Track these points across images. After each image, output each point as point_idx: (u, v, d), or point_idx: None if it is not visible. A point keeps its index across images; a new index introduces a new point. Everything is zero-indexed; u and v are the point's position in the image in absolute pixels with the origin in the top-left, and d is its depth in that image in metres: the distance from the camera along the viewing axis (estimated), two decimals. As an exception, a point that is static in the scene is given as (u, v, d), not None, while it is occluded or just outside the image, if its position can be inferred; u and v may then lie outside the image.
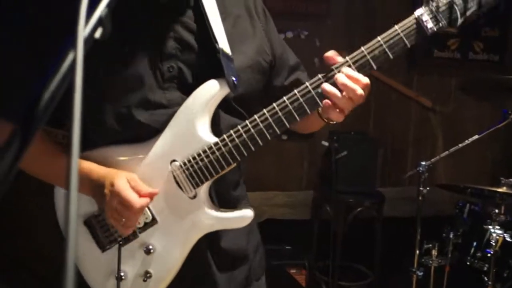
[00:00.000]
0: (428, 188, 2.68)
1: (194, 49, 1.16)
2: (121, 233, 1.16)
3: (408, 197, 3.73)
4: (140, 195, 1.10)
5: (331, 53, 1.14)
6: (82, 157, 1.18)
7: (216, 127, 1.18)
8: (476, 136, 2.50)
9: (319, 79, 1.12)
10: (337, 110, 1.13)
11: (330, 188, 3.20)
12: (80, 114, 0.39)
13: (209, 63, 1.14)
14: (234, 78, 1.13)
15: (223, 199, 1.24)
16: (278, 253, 3.12)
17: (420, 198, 2.70)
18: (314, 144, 3.52)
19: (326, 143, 3.46)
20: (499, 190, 2.43)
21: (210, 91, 1.13)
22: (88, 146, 1.19)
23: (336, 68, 1.12)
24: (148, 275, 1.18)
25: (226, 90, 1.14)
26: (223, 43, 1.15)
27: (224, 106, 1.17)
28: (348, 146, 3.29)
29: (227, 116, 1.20)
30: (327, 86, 1.10)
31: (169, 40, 1.15)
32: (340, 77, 1.10)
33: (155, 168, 1.15)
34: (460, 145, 2.53)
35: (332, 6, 3.67)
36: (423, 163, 2.64)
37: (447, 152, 2.59)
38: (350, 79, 1.09)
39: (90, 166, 1.16)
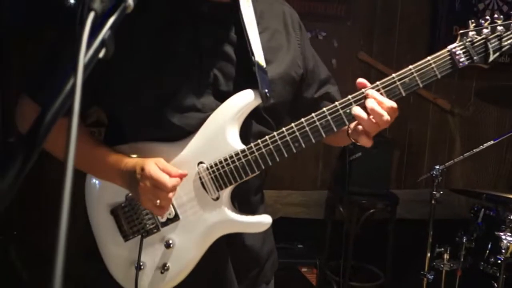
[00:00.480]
0: (441, 192, 2.68)
1: (231, 59, 1.24)
2: (158, 215, 1.23)
3: (423, 200, 3.71)
4: (171, 175, 1.16)
5: (362, 80, 1.19)
6: (114, 150, 1.25)
7: (245, 134, 1.24)
8: (492, 142, 2.48)
9: (349, 100, 1.17)
10: (365, 134, 1.18)
11: (343, 189, 3.22)
12: (75, 138, 0.44)
13: (244, 74, 1.21)
14: (266, 90, 1.20)
15: (243, 202, 1.30)
16: (290, 251, 3.15)
17: (433, 201, 2.69)
18: (330, 145, 3.54)
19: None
20: (514, 196, 2.42)
21: (244, 100, 1.20)
22: (121, 141, 1.26)
23: (366, 91, 1.16)
24: (166, 267, 1.24)
25: (258, 101, 1.21)
26: (259, 55, 1.22)
27: (254, 115, 1.24)
28: (363, 147, 3.29)
29: (256, 125, 1.27)
30: (355, 109, 1.15)
31: (207, 48, 1.22)
32: (369, 102, 1.14)
33: (183, 167, 1.21)
34: (475, 150, 2.52)
35: (351, 7, 3.66)
36: (437, 167, 2.64)
37: (461, 157, 2.58)
38: (379, 104, 1.14)
39: (119, 157, 1.21)
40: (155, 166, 1.15)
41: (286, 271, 3.00)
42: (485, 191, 2.64)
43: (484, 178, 3.99)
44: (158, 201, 1.15)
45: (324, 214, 3.55)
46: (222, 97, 1.21)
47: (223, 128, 1.20)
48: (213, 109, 1.21)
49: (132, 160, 1.20)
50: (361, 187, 3.28)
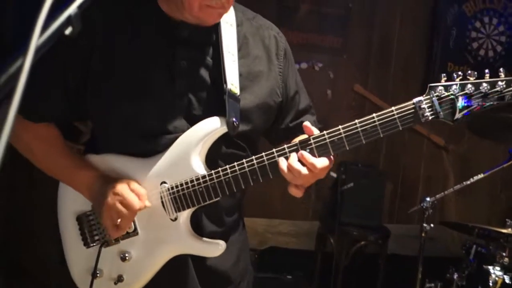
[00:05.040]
0: (432, 225, 2.65)
1: (206, 84, 1.25)
2: (112, 235, 1.24)
3: (416, 235, 3.67)
4: (139, 198, 1.19)
5: (308, 124, 1.20)
6: (88, 158, 1.31)
7: (213, 158, 1.26)
8: (481, 175, 2.48)
9: (283, 149, 1.18)
10: (292, 185, 1.19)
11: (335, 219, 3.19)
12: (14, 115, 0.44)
13: (216, 100, 1.23)
14: (234, 119, 1.21)
15: (215, 222, 1.31)
16: (279, 282, 3.08)
17: (423, 234, 2.66)
18: (322, 175, 3.52)
19: (334, 174, 3.46)
20: (504, 231, 2.39)
21: (209, 127, 1.23)
22: (96, 151, 1.31)
23: (290, 148, 1.17)
24: (121, 279, 1.27)
25: (224, 129, 1.22)
26: (233, 82, 1.23)
27: (225, 139, 1.26)
28: (356, 178, 3.29)
29: (227, 149, 1.28)
30: (280, 162, 1.17)
31: (184, 72, 1.24)
32: (291, 158, 1.16)
33: (147, 185, 1.25)
34: (464, 183, 2.51)
35: (347, 40, 3.73)
36: (428, 199, 2.62)
37: (451, 190, 2.57)
38: (303, 160, 1.15)
39: (92, 171, 1.26)
40: (126, 186, 1.19)
41: (273, 301, 2.93)
42: (476, 225, 2.61)
43: (477, 215, 3.95)
44: (119, 220, 1.18)
45: (314, 245, 3.49)
46: (194, 121, 1.23)
47: (188, 152, 1.22)
48: (183, 131, 1.23)
49: (106, 177, 1.24)
50: (353, 219, 3.24)
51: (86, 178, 1.25)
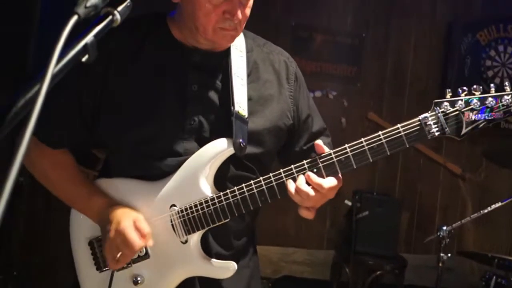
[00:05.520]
0: (449, 255, 2.60)
1: (216, 107, 1.28)
2: (110, 266, 1.26)
3: (433, 265, 3.59)
4: (142, 235, 1.20)
5: (320, 142, 1.21)
6: (99, 182, 1.34)
7: (222, 179, 1.27)
8: (499, 204, 2.43)
9: (290, 170, 1.19)
10: (302, 207, 1.20)
11: (350, 248, 3.15)
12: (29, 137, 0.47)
13: (225, 122, 1.25)
14: (241, 140, 1.23)
15: (224, 246, 1.31)
16: (293, 312, 3.04)
17: (440, 264, 2.61)
18: (337, 203, 3.50)
19: (349, 203, 3.44)
20: (524, 261, 2.33)
21: (217, 149, 1.24)
22: (110, 174, 1.34)
23: (297, 168, 1.18)
24: None
25: (231, 151, 1.24)
26: (241, 105, 1.26)
27: (234, 161, 1.27)
28: (371, 206, 3.26)
29: (235, 171, 1.29)
30: (288, 184, 1.18)
31: (195, 95, 1.27)
32: (299, 180, 1.17)
33: (156, 208, 1.26)
34: (482, 211, 2.47)
35: (361, 69, 3.77)
36: (444, 227, 2.57)
37: (469, 218, 2.52)
38: (310, 181, 1.16)
39: (103, 202, 1.28)
40: (130, 224, 1.20)
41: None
42: (496, 255, 2.55)
43: (497, 245, 3.85)
44: (118, 255, 1.20)
45: (329, 275, 3.44)
46: (204, 143, 1.25)
47: (196, 174, 1.24)
48: (193, 153, 1.25)
49: (114, 207, 1.25)
50: (368, 248, 3.20)
51: (96, 207, 1.28)
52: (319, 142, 1.20)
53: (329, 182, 1.17)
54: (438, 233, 2.57)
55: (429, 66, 3.86)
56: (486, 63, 3.83)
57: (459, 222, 2.54)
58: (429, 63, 3.86)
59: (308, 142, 1.40)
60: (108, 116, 1.27)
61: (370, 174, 3.70)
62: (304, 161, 1.19)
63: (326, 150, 1.19)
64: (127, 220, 1.20)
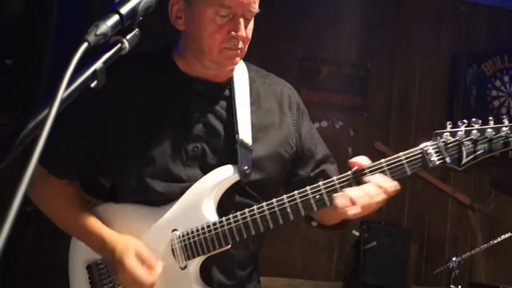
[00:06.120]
0: (459, 287, 2.54)
1: (219, 135, 1.31)
2: None
3: (444, 298, 3.51)
4: (149, 266, 1.20)
5: (358, 160, 1.22)
6: (103, 208, 1.33)
7: (226, 207, 1.28)
8: (509, 234, 2.40)
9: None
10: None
11: (357, 280, 3.09)
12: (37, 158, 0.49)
13: (229, 150, 1.28)
14: (246, 167, 1.25)
15: (228, 276, 1.30)
16: None
17: (451, 296, 2.55)
18: (345, 233, 3.46)
19: (357, 233, 3.40)
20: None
21: (222, 175, 1.26)
22: (114, 199, 1.34)
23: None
24: None
25: (236, 177, 1.25)
26: (245, 133, 1.28)
27: (237, 188, 1.29)
28: (379, 236, 3.22)
29: (239, 198, 1.30)
30: (336, 199, 1.18)
31: (198, 123, 1.30)
32: (337, 196, 1.18)
33: (157, 232, 1.27)
34: (492, 242, 2.43)
35: (367, 100, 3.80)
36: (454, 259, 2.53)
37: (478, 249, 2.48)
38: (344, 197, 1.18)
39: (103, 235, 1.27)
40: (135, 262, 1.20)
41: None
42: (507, 286, 2.49)
43: (508, 276, 3.76)
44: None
45: (338, 307, 3.37)
46: (208, 169, 1.27)
47: (200, 200, 1.25)
48: (197, 180, 1.27)
49: (116, 240, 1.25)
50: (376, 279, 3.14)
51: (98, 240, 1.28)
52: (354, 160, 1.22)
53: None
54: (448, 264, 2.52)
55: (435, 96, 3.88)
56: (492, 93, 3.85)
57: (468, 253, 2.50)
58: (434, 92, 3.88)
59: (314, 169, 1.41)
60: (112, 145, 1.30)
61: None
62: (308, 187, 1.21)
63: (365, 161, 1.21)
64: (130, 259, 1.20)
